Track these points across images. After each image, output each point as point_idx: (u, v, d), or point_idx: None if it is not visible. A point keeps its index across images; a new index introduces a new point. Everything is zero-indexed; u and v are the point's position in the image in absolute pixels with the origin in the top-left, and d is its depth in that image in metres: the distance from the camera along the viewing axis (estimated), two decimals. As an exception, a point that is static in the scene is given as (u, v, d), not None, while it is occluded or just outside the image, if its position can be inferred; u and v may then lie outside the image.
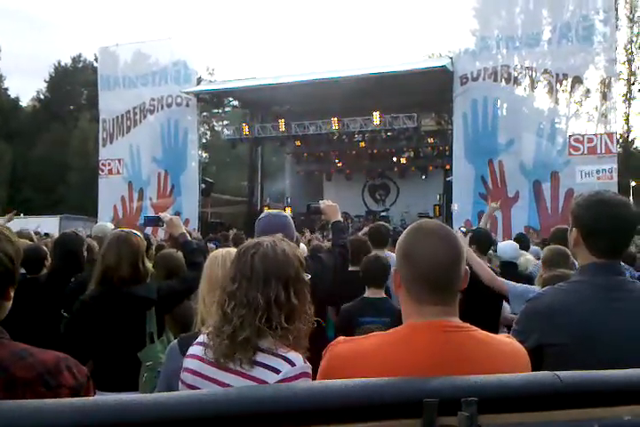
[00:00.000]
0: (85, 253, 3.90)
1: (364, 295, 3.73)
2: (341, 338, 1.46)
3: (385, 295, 3.70)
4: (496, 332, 2.86)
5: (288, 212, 20.51)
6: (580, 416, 1.03)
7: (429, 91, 15.91)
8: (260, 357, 1.62)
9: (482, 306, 3.67)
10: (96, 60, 27.48)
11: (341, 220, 3.29)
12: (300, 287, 1.70)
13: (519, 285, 3.56)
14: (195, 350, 1.76)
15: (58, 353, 1.33)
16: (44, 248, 4.10)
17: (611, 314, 1.75)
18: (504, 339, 1.45)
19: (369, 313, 3.54)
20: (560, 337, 1.75)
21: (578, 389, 1.06)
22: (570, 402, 1.03)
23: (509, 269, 4.67)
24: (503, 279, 3.53)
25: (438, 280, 1.37)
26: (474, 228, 5.81)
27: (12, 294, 1.33)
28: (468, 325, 1.39)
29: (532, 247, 6.75)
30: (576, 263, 3.54)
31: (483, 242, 4.30)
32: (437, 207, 19.48)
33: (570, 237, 1.92)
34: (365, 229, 6.16)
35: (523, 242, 6.26)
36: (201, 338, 1.77)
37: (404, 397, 1.00)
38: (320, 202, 3.33)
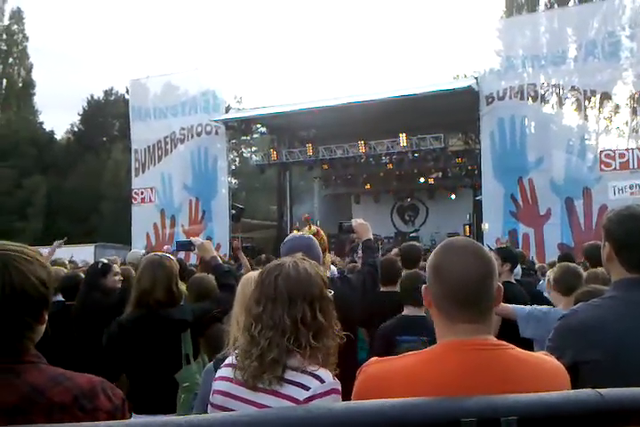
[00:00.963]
0: (116, 280, 3.97)
1: (403, 313, 3.64)
2: (374, 358, 1.46)
3: (424, 313, 3.63)
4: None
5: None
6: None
7: (455, 111, 15.90)
8: (290, 375, 1.63)
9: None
10: (127, 92, 28.22)
11: (372, 238, 3.28)
12: (326, 305, 1.71)
13: (526, 307, 3.55)
14: (223, 371, 1.77)
15: (94, 377, 1.34)
16: (81, 275, 4.20)
17: None
18: (543, 356, 1.42)
19: (407, 332, 3.44)
20: (594, 354, 1.71)
21: (620, 406, 1.03)
22: (612, 420, 1.01)
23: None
24: (509, 306, 3.50)
25: (469, 296, 1.35)
26: (502, 245, 5.74)
27: (46, 317, 1.35)
28: (504, 342, 1.37)
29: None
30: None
31: (515, 262, 4.25)
32: (467, 227, 19.28)
33: (602, 253, 1.89)
34: (396, 249, 6.10)
35: (567, 260, 6.09)
36: (229, 360, 1.78)
37: (441, 416, 0.98)
38: (352, 220, 3.34)
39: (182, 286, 3.03)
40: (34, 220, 30.49)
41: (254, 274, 2.27)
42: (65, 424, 0.90)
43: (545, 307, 3.62)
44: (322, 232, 3.51)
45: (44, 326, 1.35)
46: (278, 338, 1.63)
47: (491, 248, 4.58)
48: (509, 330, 3.38)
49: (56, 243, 6.28)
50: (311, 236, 2.87)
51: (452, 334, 1.36)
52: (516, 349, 1.37)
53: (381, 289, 3.99)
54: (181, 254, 10.37)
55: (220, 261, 3.30)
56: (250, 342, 1.67)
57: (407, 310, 3.63)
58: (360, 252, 3.52)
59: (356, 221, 3.31)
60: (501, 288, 1.41)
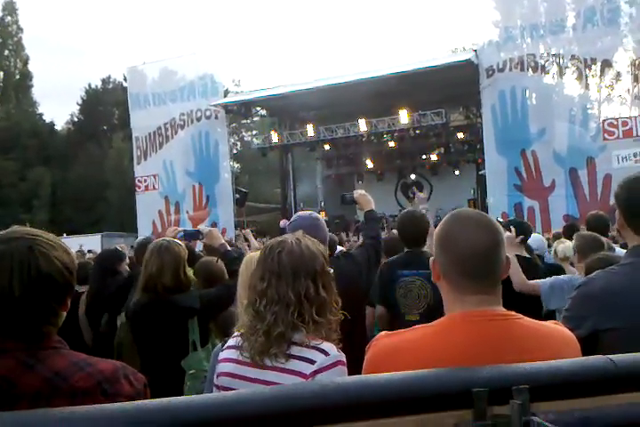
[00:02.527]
0: (127, 268, 3.99)
1: (405, 251, 3.68)
2: (383, 333, 1.46)
3: (426, 250, 3.60)
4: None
5: (322, 215, 20.55)
6: (636, 399, 1.00)
7: (455, 85, 15.75)
8: (295, 350, 1.65)
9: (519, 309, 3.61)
10: (125, 79, 28.06)
11: (374, 209, 3.26)
12: (327, 280, 1.74)
13: (547, 280, 3.55)
14: (227, 353, 1.78)
15: (115, 362, 1.36)
16: (91, 263, 4.23)
17: None
18: (553, 326, 1.42)
19: (409, 267, 3.49)
20: (616, 322, 1.69)
21: (632, 372, 1.03)
22: (624, 386, 1.00)
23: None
24: (531, 282, 3.50)
25: (478, 267, 1.34)
26: (510, 219, 5.70)
27: (69, 303, 1.36)
28: (514, 313, 1.36)
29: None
30: (618, 250, 3.48)
31: (521, 231, 4.21)
32: (472, 202, 19.24)
33: (617, 221, 1.88)
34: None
35: (572, 231, 6.06)
36: (231, 341, 1.79)
37: (453, 387, 0.98)
38: (354, 192, 3.33)
39: (191, 273, 3.02)
40: (39, 211, 30.61)
41: (254, 255, 2.26)
42: (96, 405, 0.90)
43: (566, 276, 3.61)
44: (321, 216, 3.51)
45: (66, 311, 1.36)
46: (283, 313, 1.65)
47: (500, 222, 4.54)
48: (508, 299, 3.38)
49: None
50: (317, 215, 2.85)
51: (461, 305, 1.35)
52: (525, 318, 1.36)
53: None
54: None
55: (229, 248, 3.31)
56: (255, 318, 1.69)
57: (408, 249, 3.67)
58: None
59: (358, 192, 3.30)
60: (510, 259, 1.40)
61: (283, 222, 20.66)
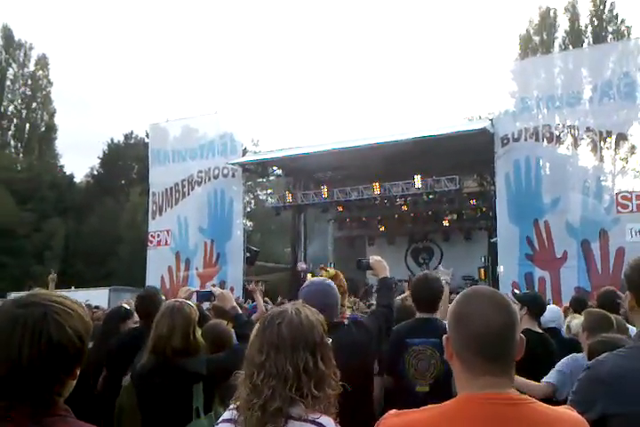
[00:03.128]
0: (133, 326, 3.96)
1: (415, 317, 3.59)
2: (392, 411, 1.43)
3: (435, 316, 3.54)
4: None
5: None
6: None
7: (470, 153, 15.97)
8: (292, 425, 1.61)
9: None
10: (147, 135, 28.82)
11: (388, 276, 3.24)
12: (326, 352, 1.71)
13: (557, 367, 3.42)
14: None
15: None
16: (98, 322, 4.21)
17: None
18: (565, 411, 1.39)
19: (418, 334, 3.40)
20: (625, 407, 1.65)
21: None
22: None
23: (551, 335, 4.45)
24: (539, 384, 3.36)
25: (492, 348, 1.33)
26: (526, 292, 5.62)
27: (78, 372, 1.36)
28: (526, 397, 1.34)
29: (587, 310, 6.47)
30: (632, 328, 3.41)
31: (534, 305, 4.16)
32: (482, 270, 19.06)
33: (625, 302, 1.87)
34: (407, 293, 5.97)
35: (580, 305, 5.99)
36: (227, 415, 1.76)
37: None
38: (370, 257, 3.33)
39: (200, 336, 2.99)
40: (51, 263, 30.66)
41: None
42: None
43: (568, 358, 3.49)
44: (341, 275, 3.49)
45: (75, 380, 1.36)
46: (281, 387, 1.61)
47: (516, 294, 4.50)
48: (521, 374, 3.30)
49: (50, 277, 6.23)
50: (330, 282, 2.85)
51: (474, 387, 1.34)
52: (537, 402, 1.34)
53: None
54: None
55: (240, 311, 3.29)
56: (252, 392, 1.65)
57: (419, 314, 3.60)
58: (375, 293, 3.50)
59: (374, 258, 3.30)
60: (524, 340, 1.39)
61: (300, 265, 20.59)
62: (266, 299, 11.92)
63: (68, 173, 37.77)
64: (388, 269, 3.25)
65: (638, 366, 1.72)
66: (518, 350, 1.37)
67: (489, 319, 1.34)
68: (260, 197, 33.91)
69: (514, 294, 4.30)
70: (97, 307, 10.99)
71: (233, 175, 19.32)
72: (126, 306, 4.38)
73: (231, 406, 1.76)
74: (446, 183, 17.12)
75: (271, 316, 1.74)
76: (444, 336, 1.42)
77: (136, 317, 4.21)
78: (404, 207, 20.48)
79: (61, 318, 1.29)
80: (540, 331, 4.07)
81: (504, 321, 1.35)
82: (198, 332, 2.96)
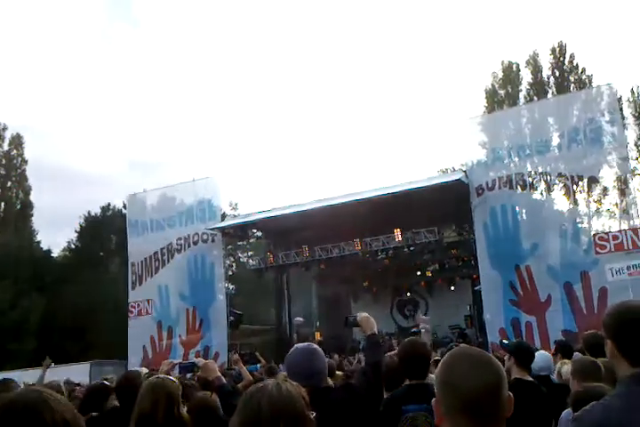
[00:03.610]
0: (115, 403, 3.82)
1: (406, 383, 3.49)
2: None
3: (427, 381, 3.44)
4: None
5: (317, 336, 20.11)
6: None
7: (447, 204, 16.23)
8: None
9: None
10: (124, 206, 28.78)
11: (376, 333, 3.20)
12: (308, 426, 1.66)
13: None
14: None
15: None
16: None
17: None
18: None
19: (412, 401, 3.30)
20: None
21: None
22: None
23: (543, 382, 4.38)
24: None
25: (480, 408, 1.33)
26: (513, 341, 5.57)
27: None
28: None
29: (575, 354, 6.43)
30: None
31: (523, 355, 4.12)
32: (469, 318, 18.97)
33: (606, 349, 1.87)
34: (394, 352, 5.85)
35: (565, 350, 5.95)
36: None
37: None
38: (357, 314, 3.30)
39: (184, 411, 2.90)
40: (28, 340, 29.83)
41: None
42: None
43: (565, 413, 3.42)
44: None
45: None
46: None
47: (504, 344, 4.45)
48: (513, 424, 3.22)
49: (45, 362, 6.07)
50: (315, 346, 2.81)
51: None
52: None
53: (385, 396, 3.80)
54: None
55: (224, 381, 3.21)
56: None
57: (410, 381, 3.50)
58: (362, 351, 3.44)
59: (361, 315, 3.27)
60: (511, 398, 1.39)
61: (297, 319, 20.19)
62: (261, 359, 11.64)
63: (45, 248, 37.40)
64: (376, 324, 3.22)
65: (621, 415, 1.71)
66: (507, 408, 1.37)
67: (475, 382, 1.35)
68: (242, 260, 33.73)
69: (501, 345, 4.26)
70: (78, 384, 10.56)
71: (213, 240, 19.28)
72: (106, 382, 4.22)
73: None
74: (426, 235, 17.27)
75: (251, 393, 1.69)
76: (433, 399, 1.42)
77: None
78: (387, 261, 20.51)
79: (56, 407, 1.32)
80: (531, 379, 4.01)
81: (489, 382, 1.36)
82: (182, 406, 2.87)
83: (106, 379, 5.04)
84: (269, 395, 1.64)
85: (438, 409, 1.39)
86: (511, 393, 1.40)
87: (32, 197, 38.34)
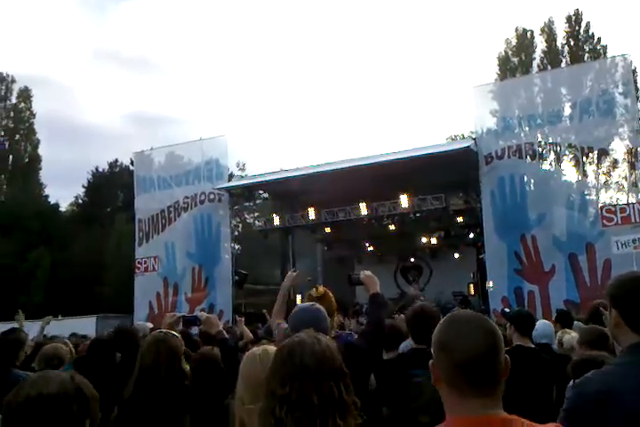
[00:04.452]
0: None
1: (414, 346, 3.48)
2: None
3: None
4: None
5: (319, 290, 20.30)
6: None
7: (455, 171, 16.12)
8: None
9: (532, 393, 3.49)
10: (131, 163, 28.77)
11: (379, 292, 3.19)
12: (347, 381, 1.66)
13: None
14: None
15: None
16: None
17: None
18: None
19: (419, 365, 3.18)
20: (614, 423, 1.66)
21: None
22: None
23: (543, 350, 4.41)
24: None
25: (477, 372, 1.34)
26: (515, 309, 5.61)
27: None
28: (516, 417, 1.36)
29: (576, 323, 6.50)
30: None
31: (523, 322, 4.15)
32: (472, 285, 19.10)
33: (610, 320, 1.89)
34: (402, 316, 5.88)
35: (565, 319, 6.02)
36: None
37: None
38: (361, 272, 3.30)
39: (187, 366, 2.95)
40: (36, 293, 30.35)
41: (259, 350, 2.21)
42: None
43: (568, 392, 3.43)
44: (330, 293, 3.45)
45: None
46: (307, 419, 1.55)
47: (505, 313, 4.47)
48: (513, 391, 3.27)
49: (44, 319, 6.14)
50: (318, 306, 2.82)
51: (463, 409, 1.35)
52: (526, 422, 1.35)
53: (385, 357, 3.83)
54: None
55: (226, 336, 3.25)
56: (274, 426, 1.58)
57: (416, 345, 3.50)
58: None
59: (364, 274, 3.27)
60: (509, 361, 1.40)
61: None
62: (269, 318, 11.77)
63: (52, 202, 37.62)
64: (379, 284, 3.22)
65: (623, 383, 1.72)
66: (504, 371, 1.38)
67: (474, 345, 1.36)
68: (248, 221, 33.87)
69: (503, 313, 4.30)
70: (84, 336, 10.77)
71: (219, 200, 19.32)
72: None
73: None
74: (432, 202, 17.22)
75: (290, 346, 1.69)
76: (430, 362, 1.44)
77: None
78: (392, 226, 20.54)
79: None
80: (532, 346, 4.06)
81: (487, 345, 1.37)
82: (184, 362, 2.92)
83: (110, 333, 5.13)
84: (312, 350, 1.64)
85: (435, 372, 1.41)
86: (508, 357, 1.42)
87: (40, 151, 38.38)
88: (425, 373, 3.23)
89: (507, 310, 5.17)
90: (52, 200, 37.74)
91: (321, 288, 3.40)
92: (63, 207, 38.58)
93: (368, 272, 3.28)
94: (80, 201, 37.92)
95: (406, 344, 4.06)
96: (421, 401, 3.16)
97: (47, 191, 38.52)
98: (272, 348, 2.10)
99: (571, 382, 3.36)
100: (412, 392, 3.25)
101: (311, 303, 2.88)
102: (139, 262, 20.08)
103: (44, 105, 64.61)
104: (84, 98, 71.28)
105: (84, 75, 70.17)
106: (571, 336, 5.30)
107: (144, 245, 20.24)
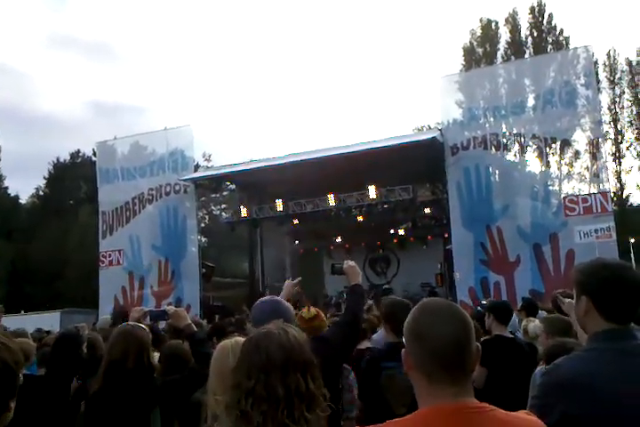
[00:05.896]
0: (85, 350, 3.80)
1: (389, 341, 3.56)
2: (356, 428, 1.43)
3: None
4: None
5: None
6: None
7: (422, 162, 16.24)
8: None
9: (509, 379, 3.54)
10: (94, 154, 28.19)
11: (360, 284, 3.17)
12: (316, 373, 1.64)
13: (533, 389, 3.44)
14: None
15: None
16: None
17: (635, 382, 1.69)
18: (524, 416, 1.43)
19: (392, 358, 3.28)
20: (584, 409, 1.68)
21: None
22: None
23: None
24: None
25: (450, 359, 1.36)
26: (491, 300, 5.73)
27: (13, 405, 1.26)
28: (486, 404, 1.38)
29: (540, 312, 6.63)
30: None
31: (502, 312, 4.24)
32: (439, 276, 19.34)
33: (578, 307, 1.90)
34: (370, 302, 5.94)
35: (530, 308, 6.14)
36: None
37: None
38: (344, 262, 3.28)
39: (155, 358, 2.90)
40: (-3, 287, 29.63)
41: (230, 342, 2.17)
42: None
43: (538, 370, 3.49)
44: (321, 314, 3.42)
45: (11, 413, 1.27)
46: (273, 411, 1.53)
47: (483, 304, 4.57)
48: (494, 380, 3.31)
49: None
50: (279, 298, 2.79)
51: (436, 397, 1.36)
52: (498, 410, 1.37)
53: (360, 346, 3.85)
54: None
55: (195, 329, 3.20)
56: (240, 419, 1.55)
57: (391, 337, 3.56)
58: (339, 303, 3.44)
59: (348, 264, 3.25)
60: (479, 349, 1.41)
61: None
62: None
63: (12, 194, 36.68)
64: (360, 275, 3.21)
65: (594, 368, 1.74)
66: (476, 359, 1.40)
67: (447, 332, 1.37)
68: (215, 213, 33.63)
69: (481, 305, 4.40)
70: (48, 332, 10.55)
71: (185, 191, 19.07)
72: (79, 327, 4.19)
73: None
74: (400, 193, 17.33)
75: (257, 338, 1.65)
76: (403, 350, 1.44)
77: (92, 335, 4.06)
78: (360, 218, 20.62)
79: None
80: (511, 336, 4.14)
81: (459, 332, 1.38)
82: (152, 354, 2.87)
83: (77, 327, 5.02)
84: (279, 341, 1.61)
85: (407, 360, 1.42)
86: (480, 345, 1.43)
87: (-1, 142, 37.32)
88: (398, 365, 3.28)
89: (484, 302, 5.30)
90: (11, 192, 36.86)
91: (313, 309, 3.37)
92: (23, 199, 37.71)
93: (352, 262, 3.26)
94: (41, 193, 37.10)
95: (379, 334, 4.09)
96: (395, 392, 3.18)
97: (6, 183, 37.59)
98: (241, 339, 2.07)
99: (537, 369, 3.43)
100: (384, 383, 3.27)
101: (271, 296, 2.85)
102: (103, 256, 19.72)
103: (1, 93, 62.83)
104: (43, 86, 69.58)
105: (42, 62, 68.46)
106: (535, 324, 5.41)
107: (108, 237, 19.87)
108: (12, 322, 6.69)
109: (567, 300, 2.59)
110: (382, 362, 3.38)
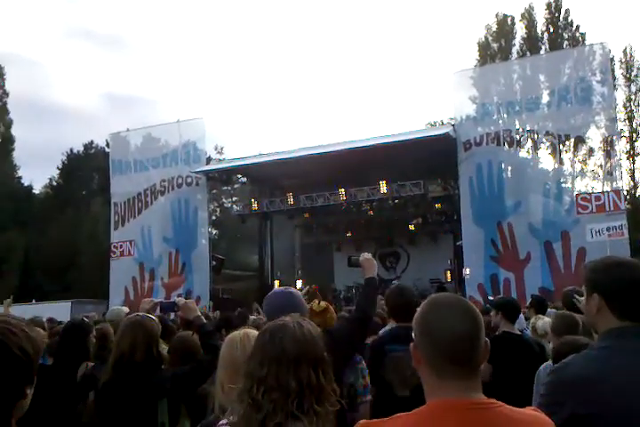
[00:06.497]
0: (94, 340, 3.84)
1: (393, 326, 3.62)
2: (363, 421, 1.45)
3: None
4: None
5: (300, 284, 20.38)
6: None
7: (434, 158, 16.16)
8: None
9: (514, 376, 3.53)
10: (107, 145, 28.31)
11: (376, 277, 3.15)
12: (327, 368, 1.66)
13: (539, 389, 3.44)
14: None
15: None
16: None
17: None
18: (531, 412, 1.43)
19: (399, 341, 3.33)
20: (594, 408, 1.66)
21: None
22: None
23: None
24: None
25: (460, 354, 1.36)
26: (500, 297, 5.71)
27: (29, 391, 1.29)
28: (494, 400, 1.38)
29: (549, 310, 6.58)
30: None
31: (510, 309, 4.23)
32: (449, 272, 19.28)
33: (589, 305, 1.87)
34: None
35: (539, 305, 6.09)
36: None
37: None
38: (361, 255, 3.27)
39: (164, 350, 2.92)
40: (9, 276, 29.87)
41: (240, 334, 2.19)
42: None
43: (543, 367, 3.49)
44: (331, 308, 3.43)
45: (28, 400, 1.29)
46: (282, 401, 1.56)
47: (491, 301, 4.57)
48: (501, 376, 3.31)
49: (6, 302, 6.02)
50: (292, 289, 2.79)
51: (444, 392, 1.36)
52: (505, 406, 1.37)
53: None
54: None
55: (205, 321, 3.22)
56: (251, 407, 1.58)
57: (397, 323, 3.61)
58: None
59: (364, 256, 3.23)
60: (488, 344, 1.42)
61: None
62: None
63: (26, 184, 36.93)
64: (376, 268, 3.20)
65: (603, 367, 1.72)
66: (484, 354, 1.40)
67: (456, 327, 1.37)
68: (226, 205, 33.66)
69: (489, 302, 4.39)
70: (60, 322, 10.62)
71: (197, 184, 19.14)
72: (85, 319, 4.22)
73: (223, 422, 1.69)
74: (411, 188, 17.27)
75: (272, 329, 1.68)
76: (411, 344, 1.44)
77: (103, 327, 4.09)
78: (370, 212, 20.57)
79: (5, 339, 1.22)
80: (519, 333, 4.14)
81: (471, 327, 1.39)
82: (161, 345, 2.89)
83: (87, 317, 5.06)
84: (292, 335, 1.64)
85: (416, 353, 1.42)
86: (488, 340, 1.43)
87: (13, 131, 37.52)
88: (404, 349, 3.29)
89: (490, 298, 5.27)
90: (25, 182, 37.09)
91: (323, 303, 3.37)
92: (37, 189, 37.93)
93: (368, 255, 3.24)
94: (54, 183, 37.28)
95: (385, 330, 4.10)
96: (399, 375, 3.19)
97: (20, 173, 37.82)
98: (253, 331, 2.09)
99: (541, 367, 3.41)
100: (388, 365, 3.28)
101: (284, 287, 2.84)
102: (114, 247, 19.86)
103: (16, 84, 63.26)
104: (59, 77, 69.93)
105: (58, 53, 68.77)
106: (544, 322, 5.38)
107: (119, 228, 20.01)
108: (25, 312, 6.72)
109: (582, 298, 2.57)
110: (387, 345, 3.42)
